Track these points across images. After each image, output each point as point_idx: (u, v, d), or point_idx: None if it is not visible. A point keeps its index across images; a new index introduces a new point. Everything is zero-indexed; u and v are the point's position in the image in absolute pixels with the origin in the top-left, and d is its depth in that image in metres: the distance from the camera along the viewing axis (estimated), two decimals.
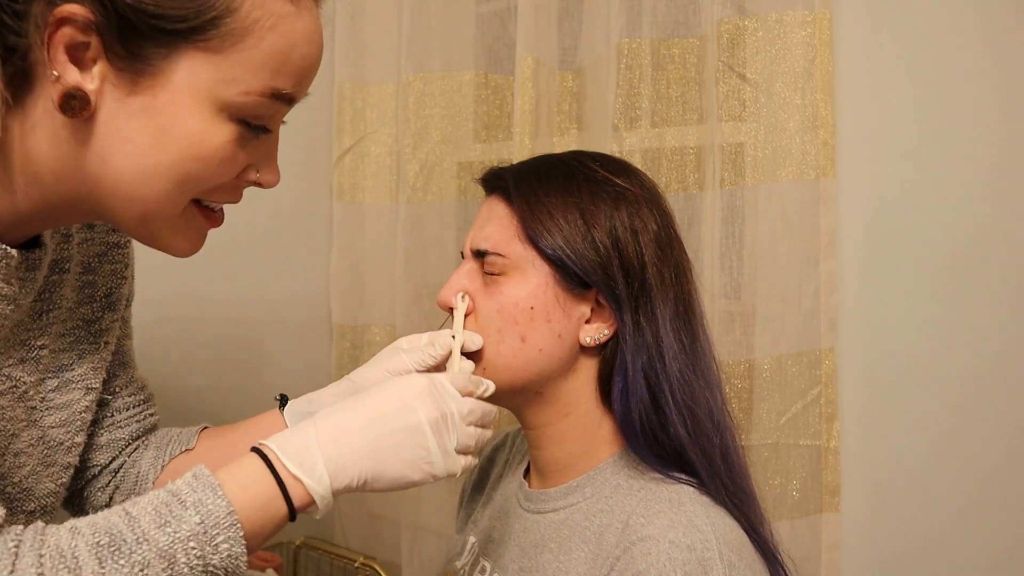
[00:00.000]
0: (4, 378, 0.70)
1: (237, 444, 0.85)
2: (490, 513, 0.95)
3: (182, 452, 0.88)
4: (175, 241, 0.69)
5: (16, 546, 0.54)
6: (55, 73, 0.59)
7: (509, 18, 1.43)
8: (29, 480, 0.73)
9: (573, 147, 1.35)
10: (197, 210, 0.69)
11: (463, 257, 0.87)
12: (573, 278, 0.80)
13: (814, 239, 1.17)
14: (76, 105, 0.60)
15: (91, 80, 0.60)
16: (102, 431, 0.86)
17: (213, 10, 0.60)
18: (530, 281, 0.81)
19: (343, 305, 1.58)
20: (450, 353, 0.81)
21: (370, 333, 1.56)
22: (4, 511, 0.58)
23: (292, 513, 0.62)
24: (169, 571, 0.56)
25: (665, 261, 0.81)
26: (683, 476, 0.79)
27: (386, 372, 0.82)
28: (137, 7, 0.59)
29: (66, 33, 0.59)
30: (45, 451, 0.75)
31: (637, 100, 1.26)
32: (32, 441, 0.73)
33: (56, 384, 0.76)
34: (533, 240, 0.80)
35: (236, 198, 0.71)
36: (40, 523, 0.58)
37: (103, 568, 0.55)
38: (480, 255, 0.83)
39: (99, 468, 0.87)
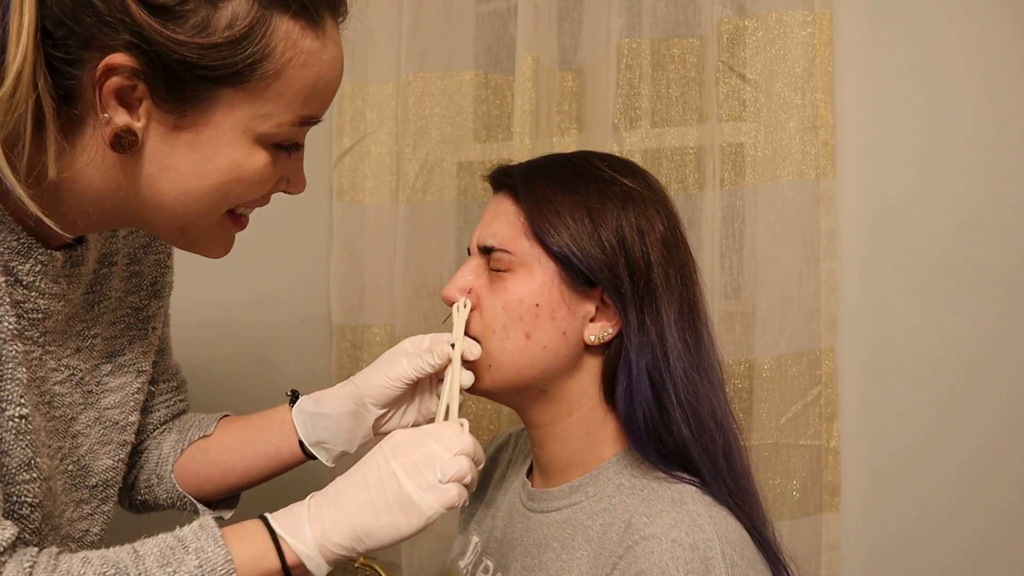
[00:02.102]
0: (64, 368, 0.77)
1: (248, 435, 0.92)
2: (493, 513, 0.95)
3: (200, 437, 0.93)
4: (210, 246, 0.76)
5: (31, 567, 0.60)
6: (106, 115, 0.64)
7: (509, 18, 1.43)
8: (87, 458, 0.80)
9: (573, 147, 1.35)
10: (229, 218, 0.74)
11: (469, 253, 0.88)
12: (579, 276, 0.80)
13: (814, 239, 1.17)
14: (126, 143, 0.65)
15: (138, 119, 0.65)
16: None
17: (251, 57, 0.65)
18: (536, 278, 0.81)
19: (343, 305, 1.58)
20: (449, 361, 0.82)
21: (370, 333, 1.56)
22: (16, 530, 0.62)
23: (286, 570, 0.67)
24: None
25: (671, 261, 0.81)
26: (686, 476, 0.79)
27: (386, 377, 0.85)
28: (181, 60, 0.63)
29: (115, 81, 0.63)
30: (101, 431, 0.82)
31: (637, 100, 1.26)
32: (89, 422, 0.80)
33: (110, 369, 0.83)
34: (540, 238, 0.80)
35: (265, 203, 0.77)
36: (54, 548, 0.64)
37: None
38: (486, 251, 0.84)
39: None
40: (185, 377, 1.00)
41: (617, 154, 1.23)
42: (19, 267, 0.69)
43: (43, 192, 0.63)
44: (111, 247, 0.83)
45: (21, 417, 0.67)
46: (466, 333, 0.85)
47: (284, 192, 0.77)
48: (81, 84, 0.63)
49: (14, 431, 0.67)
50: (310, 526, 0.67)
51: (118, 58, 0.62)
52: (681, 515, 0.74)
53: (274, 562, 0.66)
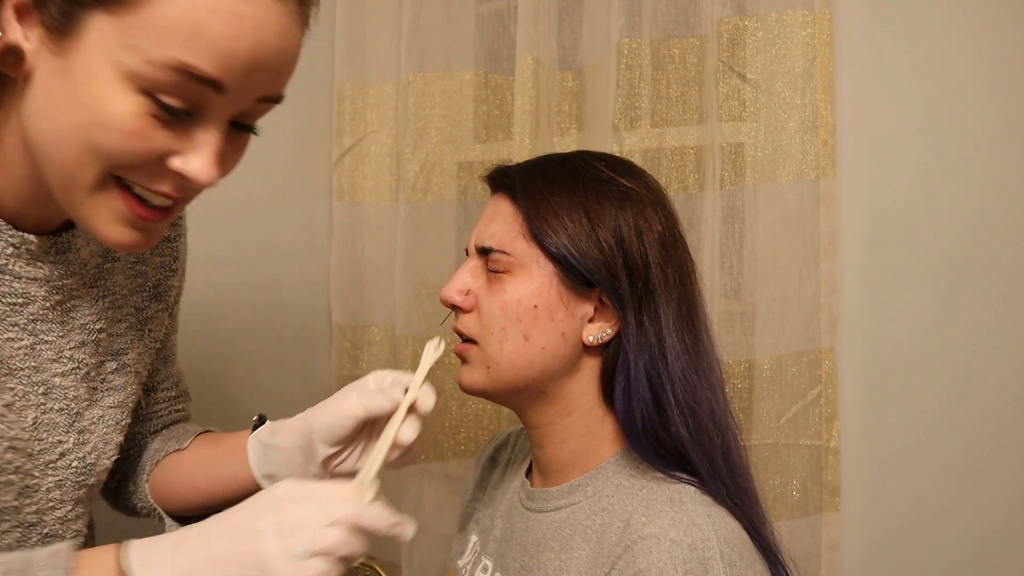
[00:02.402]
0: (66, 359, 0.76)
1: (215, 456, 0.88)
2: (492, 512, 0.95)
3: (175, 450, 0.90)
4: (100, 223, 0.65)
5: None
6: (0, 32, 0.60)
7: (509, 18, 1.43)
8: (92, 456, 0.79)
9: (573, 147, 1.35)
10: (118, 192, 0.64)
11: (467, 254, 0.87)
12: (577, 277, 0.80)
13: (814, 239, 1.17)
14: (10, 61, 0.61)
15: (27, 40, 0.61)
16: (133, 421, 0.88)
17: None
18: (534, 279, 0.81)
19: (343, 305, 1.58)
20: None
21: (370, 333, 1.56)
22: None
23: None
24: None
25: (669, 262, 0.81)
26: (684, 476, 0.79)
27: (336, 413, 0.77)
28: None
29: None
30: (105, 430, 0.80)
31: (637, 100, 1.26)
32: (94, 419, 0.79)
33: (115, 367, 0.82)
34: (538, 238, 0.80)
35: (167, 188, 0.65)
36: None
37: None
38: (485, 252, 0.84)
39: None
40: (188, 387, 0.98)
41: (617, 154, 1.23)
42: None
43: None
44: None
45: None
46: (465, 335, 0.85)
47: (177, 177, 0.64)
48: None
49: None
50: (172, 566, 0.58)
51: None
52: (680, 515, 0.74)
53: None
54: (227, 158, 0.67)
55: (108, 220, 0.65)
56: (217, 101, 0.63)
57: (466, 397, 1.40)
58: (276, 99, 0.67)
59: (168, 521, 0.88)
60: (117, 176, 0.64)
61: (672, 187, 1.25)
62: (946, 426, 1.12)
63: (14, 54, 0.61)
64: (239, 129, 0.67)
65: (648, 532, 0.73)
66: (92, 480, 0.80)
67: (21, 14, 0.61)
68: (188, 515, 0.88)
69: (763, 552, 0.78)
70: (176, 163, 0.63)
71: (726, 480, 0.79)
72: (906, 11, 1.13)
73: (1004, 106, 1.07)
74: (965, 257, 1.10)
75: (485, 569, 0.90)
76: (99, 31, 0.59)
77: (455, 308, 0.86)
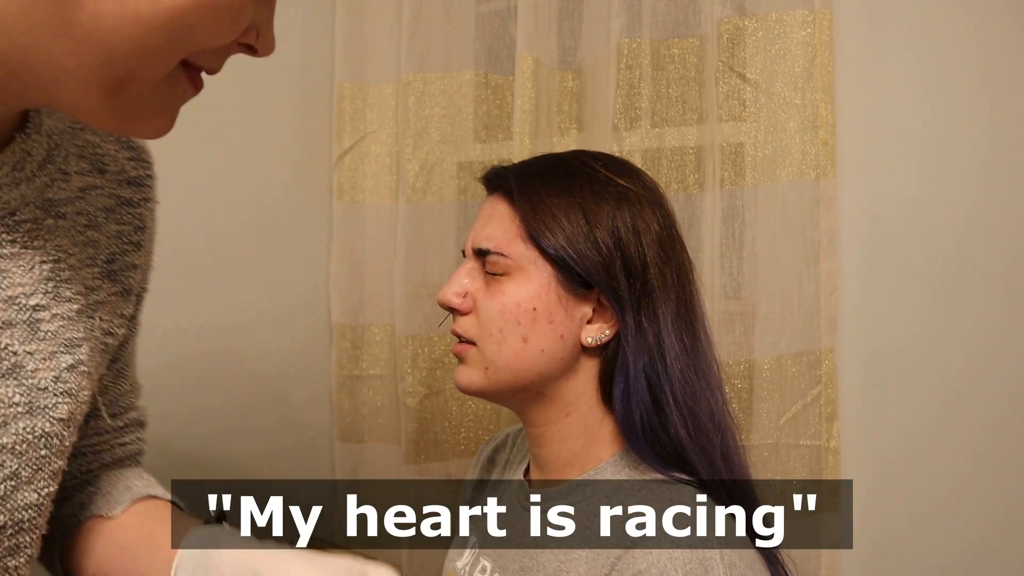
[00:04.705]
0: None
1: (135, 545, 0.67)
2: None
3: (98, 516, 0.69)
4: (149, 117, 0.53)
5: None
6: None
7: (509, 18, 1.43)
8: (5, 486, 0.56)
9: (573, 147, 1.35)
10: (185, 72, 0.53)
11: (464, 256, 0.87)
12: (575, 278, 0.80)
13: (814, 239, 1.17)
14: None
15: None
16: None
17: None
18: (533, 282, 0.81)
19: (343, 305, 1.58)
20: None
21: (370, 333, 1.56)
22: None
23: None
24: None
25: (667, 261, 0.81)
26: (684, 476, 0.79)
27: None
28: None
29: None
30: (43, 452, 0.58)
31: (637, 100, 1.26)
32: (27, 436, 0.56)
33: (71, 362, 0.59)
34: (536, 240, 0.80)
35: (220, 65, 0.55)
36: None
37: None
38: (482, 254, 0.83)
39: None
40: (143, 416, 0.76)
41: (617, 154, 1.23)
42: None
43: None
44: (57, 193, 0.60)
45: None
46: (463, 336, 0.85)
47: (248, 52, 0.55)
48: None
49: None
50: None
51: None
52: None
53: None
54: None
55: (166, 112, 0.54)
56: None
57: (466, 397, 1.40)
58: None
59: None
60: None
61: (672, 187, 1.25)
62: (946, 426, 1.12)
63: None
64: None
65: (648, 533, 0.73)
66: (2, 520, 0.56)
67: None
68: None
69: (762, 552, 0.78)
70: (252, 38, 0.53)
71: (725, 480, 0.79)
72: (906, 11, 1.13)
73: (1004, 106, 1.07)
74: (965, 257, 1.10)
75: (484, 570, 0.90)
76: None
77: (452, 310, 0.85)
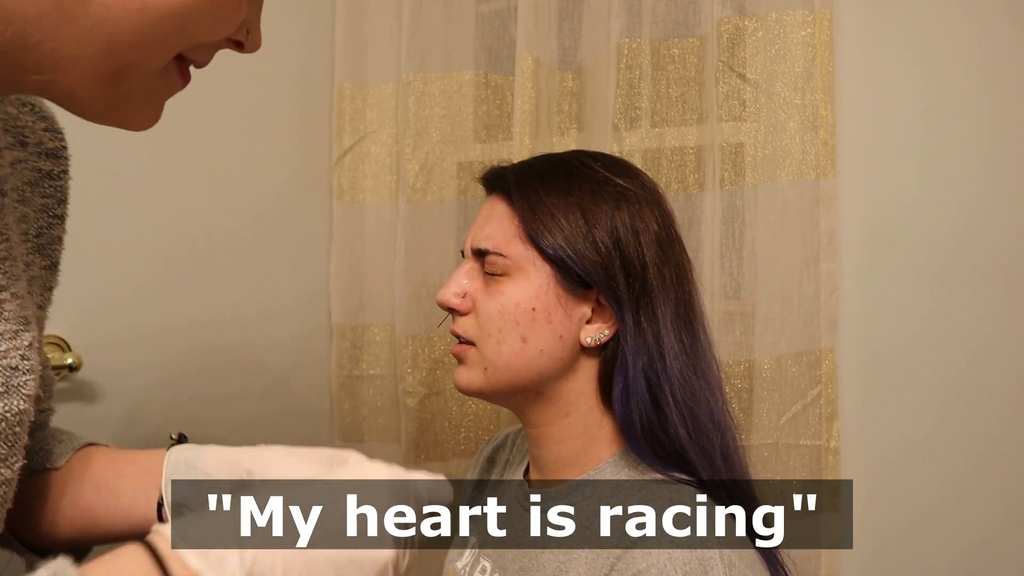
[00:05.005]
0: None
1: (117, 489, 0.68)
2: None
3: (45, 469, 0.69)
4: (140, 108, 0.55)
5: None
6: None
7: (509, 18, 1.43)
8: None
9: (573, 147, 1.35)
10: (176, 66, 0.54)
11: (463, 256, 0.87)
12: (574, 278, 0.80)
13: (814, 239, 1.17)
14: None
15: None
16: None
17: None
18: (532, 282, 0.81)
19: (343, 305, 1.58)
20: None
21: (370, 333, 1.56)
22: None
23: None
24: None
25: (666, 261, 0.81)
26: (683, 476, 0.79)
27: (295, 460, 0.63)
28: None
29: None
30: (18, 429, 0.58)
31: (637, 100, 1.26)
32: (6, 414, 0.57)
33: (29, 340, 0.58)
34: (534, 240, 0.80)
35: (210, 59, 0.57)
36: None
37: None
38: (481, 255, 0.83)
39: None
40: (54, 378, 0.76)
41: (617, 154, 1.23)
42: None
43: None
44: (1, 170, 0.60)
45: None
46: (462, 336, 0.85)
47: (236, 49, 0.57)
48: None
49: None
50: (240, 564, 0.46)
51: None
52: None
53: None
54: None
55: (155, 104, 0.55)
56: None
57: (466, 397, 1.40)
58: None
59: (29, 555, 0.69)
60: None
61: (672, 187, 1.25)
62: (946, 426, 1.12)
63: None
64: None
65: (648, 533, 0.73)
66: None
67: None
68: (50, 548, 0.68)
69: (762, 552, 0.78)
70: (243, 34, 0.56)
71: (725, 480, 0.79)
72: (906, 11, 1.13)
73: (1004, 106, 1.07)
74: (965, 257, 1.10)
75: (484, 570, 0.90)
76: None
77: (452, 311, 0.85)
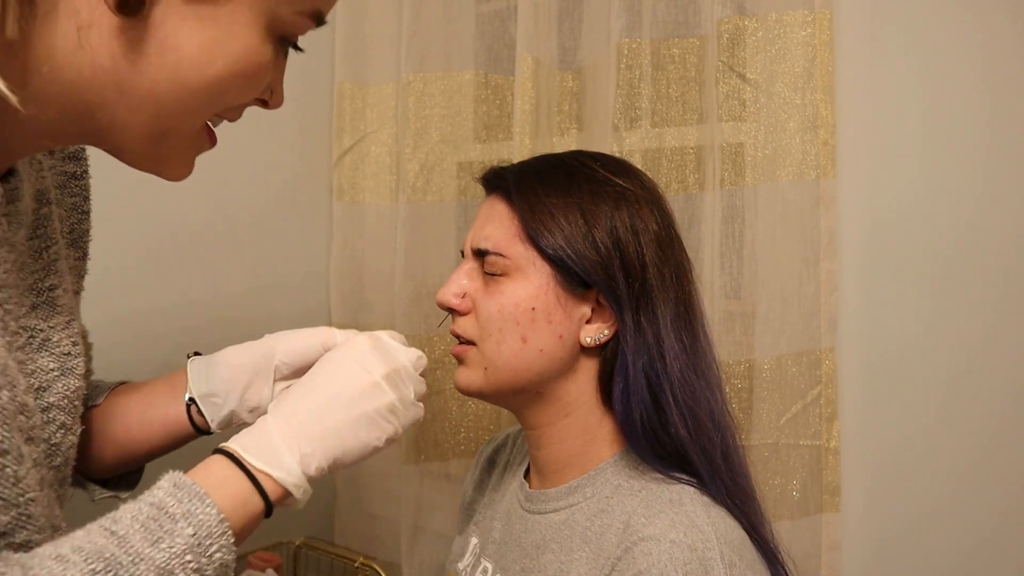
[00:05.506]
0: (21, 330, 0.64)
1: (137, 402, 0.81)
2: (491, 514, 0.95)
3: (88, 408, 0.80)
4: (177, 163, 0.64)
5: None
6: None
7: (509, 18, 1.43)
8: (60, 435, 0.67)
9: (573, 147, 1.35)
10: (206, 130, 0.64)
11: (463, 256, 0.87)
12: (574, 278, 0.80)
13: (814, 239, 1.17)
14: (132, 5, 0.54)
15: None
16: None
17: None
18: (532, 282, 0.81)
19: (343, 305, 1.58)
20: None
21: None
22: None
23: (268, 508, 0.61)
24: None
25: (666, 261, 0.81)
26: (684, 476, 0.79)
27: (308, 341, 0.78)
28: None
29: None
30: (77, 403, 0.69)
31: (637, 100, 1.26)
32: (67, 393, 0.68)
33: (77, 328, 0.70)
34: (534, 240, 0.80)
35: (239, 116, 0.67)
36: (17, 556, 0.52)
37: None
38: (481, 254, 0.83)
39: None
40: (90, 344, 0.86)
41: (617, 154, 1.23)
42: None
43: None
44: (43, 183, 0.70)
45: (44, 408, 0.62)
46: (462, 337, 0.85)
47: (262, 106, 0.67)
48: None
49: (26, 424, 0.58)
50: (288, 452, 0.62)
51: None
52: (679, 516, 0.74)
53: (258, 505, 0.60)
54: None
55: (190, 159, 0.65)
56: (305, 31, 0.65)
57: (466, 397, 1.40)
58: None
59: (90, 486, 0.81)
60: None
61: (672, 187, 1.25)
62: (946, 426, 1.12)
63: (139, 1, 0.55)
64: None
65: (648, 533, 0.73)
66: (58, 460, 0.68)
67: None
68: (111, 477, 0.83)
69: (762, 552, 0.78)
70: (266, 95, 0.65)
71: (725, 480, 0.79)
72: (906, 11, 1.13)
73: (1004, 106, 1.07)
74: (965, 257, 1.10)
75: (485, 571, 0.90)
76: None
77: (452, 311, 0.85)
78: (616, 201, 0.81)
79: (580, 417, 0.84)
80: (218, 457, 0.62)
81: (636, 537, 0.73)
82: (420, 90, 1.47)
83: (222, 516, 0.57)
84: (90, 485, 0.81)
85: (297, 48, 0.65)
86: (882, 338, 1.16)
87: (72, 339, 0.69)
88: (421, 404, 0.71)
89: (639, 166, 0.99)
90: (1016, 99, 1.06)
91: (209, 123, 0.65)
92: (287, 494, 0.62)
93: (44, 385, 0.66)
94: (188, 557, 0.54)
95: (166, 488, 0.57)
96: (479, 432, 1.43)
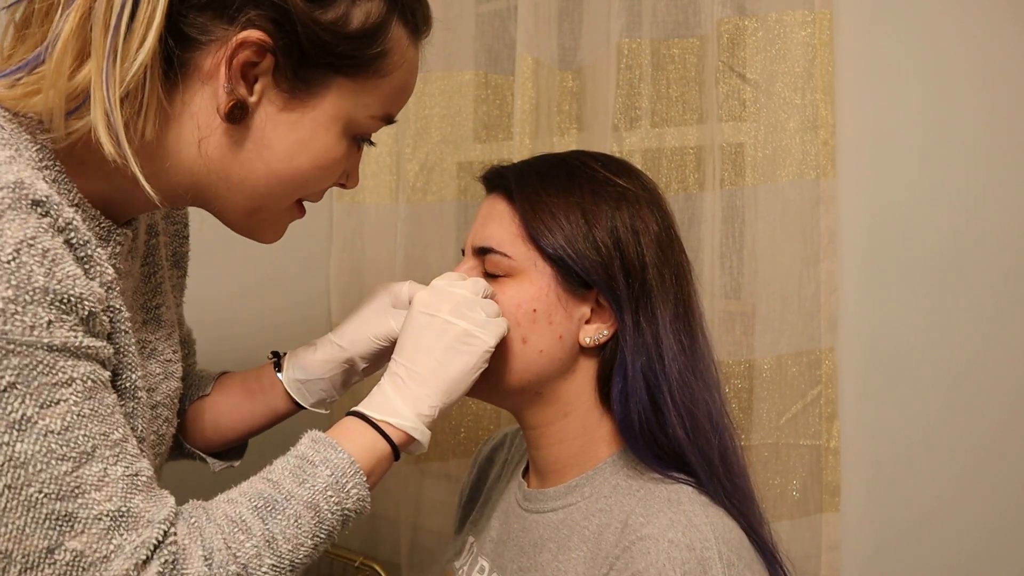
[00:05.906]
0: (137, 343, 0.76)
1: (244, 399, 0.95)
2: (489, 513, 0.95)
3: (199, 397, 0.96)
4: (270, 232, 0.78)
5: (196, 522, 0.66)
6: (228, 86, 0.67)
7: (509, 18, 1.43)
8: (164, 427, 0.82)
9: (573, 147, 1.35)
10: (296, 204, 0.78)
11: (463, 255, 0.87)
12: (574, 278, 0.80)
13: (814, 239, 1.17)
14: (238, 115, 0.68)
15: (252, 94, 0.68)
16: None
17: (373, 53, 0.71)
18: (533, 283, 0.81)
19: (343, 305, 1.58)
20: None
21: None
22: (173, 499, 0.66)
23: (396, 452, 0.74)
24: (316, 519, 0.68)
25: (666, 262, 0.81)
26: (682, 476, 0.79)
27: (375, 338, 0.87)
28: (317, 44, 0.68)
29: (246, 54, 0.66)
30: (176, 401, 0.84)
31: (637, 100, 1.26)
32: (170, 392, 0.82)
33: (177, 337, 0.85)
34: (535, 239, 0.80)
35: (321, 197, 0.80)
36: (196, 501, 0.69)
37: (266, 524, 0.66)
38: (483, 253, 0.83)
39: None
40: (195, 339, 1.03)
41: (617, 154, 1.23)
42: (101, 252, 0.68)
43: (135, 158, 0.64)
44: (152, 217, 0.84)
45: (153, 405, 0.74)
46: None
47: (340, 187, 0.81)
48: (201, 53, 0.66)
49: (146, 418, 0.73)
50: (402, 403, 0.74)
51: (256, 34, 0.65)
52: (678, 515, 0.73)
53: (384, 447, 0.73)
54: None
55: (279, 230, 0.79)
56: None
57: (465, 397, 1.40)
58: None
59: (210, 460, 0.96)
60: None
61: (672, 187, 1.25)
62: (946, 426, 1.12)
63: (240, 110, 0.68)
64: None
65: (646, 533, 0.73)
66: (163, 449, 0.84)
67: (245, 71, 0.67)
68: (223, 450, 0.98)
69: (761, 552, 0.78)
70: (343, 179, 0.79)
71: (723, 480, 0.79)
72: (906, 11, 1.13)
73: (1004, 106, 1.07)
74: (965, 257, 1.10)
75: (482, 570, 0.90)
76: (339, 94, 0.71)
77: None
78: (617, 201, 0.81)
79: (579, 417, 0.84)
80: (349, 417, 0.75)
81: (634, 536, 0.73)
82: (420, 90, 1.47)
83: (353, 459, 0.70)
84: (209, 459, 0.96)
85: (371, 143, 0.79)
86: (882, 338, 1.16)
87: (172, 348, 0.83)
88: (501, 319, 0.78)
89: (639, 166, 0.99)
90: (1016, 99, 1.06)
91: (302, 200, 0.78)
92: (409, 437, 0.75)
93: (153, 387, 0.80)
94: (329, 493, 0.69)
95: (306, 443, 0.72)
96: (479, 432, 1.43)
